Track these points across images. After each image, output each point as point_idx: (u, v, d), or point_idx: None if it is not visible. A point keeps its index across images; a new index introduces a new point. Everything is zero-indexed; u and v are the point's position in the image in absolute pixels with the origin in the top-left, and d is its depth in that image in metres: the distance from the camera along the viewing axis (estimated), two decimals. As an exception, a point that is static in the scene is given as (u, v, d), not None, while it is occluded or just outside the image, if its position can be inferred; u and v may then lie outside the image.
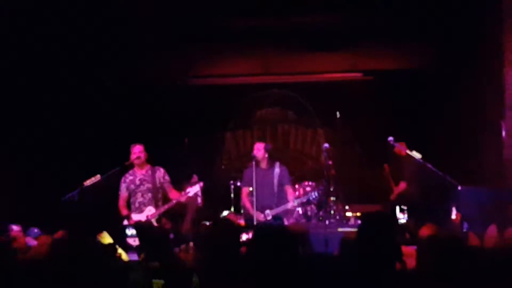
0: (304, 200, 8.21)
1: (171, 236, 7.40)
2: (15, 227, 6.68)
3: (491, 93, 8.42)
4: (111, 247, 4.78)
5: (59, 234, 6.27)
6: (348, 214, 9.57)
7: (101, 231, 5.41)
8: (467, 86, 8.99)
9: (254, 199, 7.77)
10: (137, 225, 6.76)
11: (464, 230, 6.34)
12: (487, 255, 4.20)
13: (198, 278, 3.48)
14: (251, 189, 8.01)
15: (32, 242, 6.65)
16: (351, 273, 3.31)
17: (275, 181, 7.93)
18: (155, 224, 7.31)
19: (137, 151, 7.46)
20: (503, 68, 8.04)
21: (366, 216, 3.81)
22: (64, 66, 9.10)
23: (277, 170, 7.98)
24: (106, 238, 5.38)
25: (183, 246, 7.43)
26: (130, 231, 4.26)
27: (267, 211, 7.70)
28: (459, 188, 7.28)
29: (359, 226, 3.72)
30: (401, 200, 8.68)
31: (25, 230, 6.88)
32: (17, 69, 8.46)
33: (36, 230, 6.90)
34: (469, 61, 8.95)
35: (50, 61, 8.88)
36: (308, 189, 9.61)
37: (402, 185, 8.75)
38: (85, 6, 8.58)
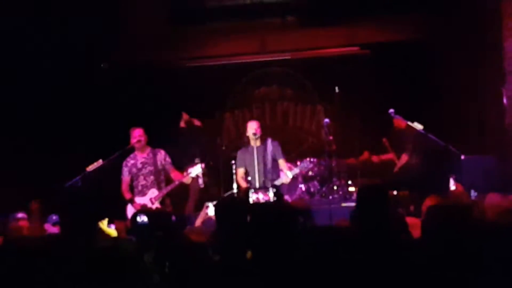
0: (297, 170, 8.21)
1: (173, 218, 7.41)
2: (20, 215, 6.66)
3: (490, 60, 8.38)
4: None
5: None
6: (351, 189, 9.54)
7: (103, 218, 5.38)
8: (466, 54, 8.93)
9: (256, 178, 7.76)
10: (146, 212, 6.75)
11: (472, 198, 6.31)
12: (491, 224, 4.20)
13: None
14: (245, 169, 8.04)
15: (52, 229, 6.65)
16: (356, 245, 3.29)
17: (269, 157, 7.94)
18: (158, 206, 7.32)
19: (137, 134, 7.44)
20: (502, 35, 7.98)
21: (362, 189, 3.83)
22: (63, 50, 9.02)
23: (269, 146, 7.98)
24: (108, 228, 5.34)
25: (188, 228, 7.42)
26: (141, 218, 4.25)
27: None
28: (463, 157, 7.28)
29: (356, 200, 3.76)
30: (404, 172, 8.65)
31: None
32: (16, 52, 8.40)
33: (54, 217, 6.89)
34: (467, 29, 8.88)
35: (49, 44, 8.81)
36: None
37: (404, 158, 8.72)
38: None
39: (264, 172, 7.86)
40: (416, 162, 8.61)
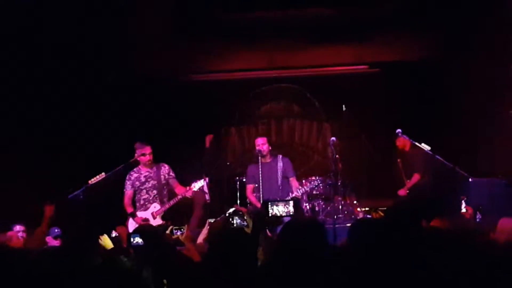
0: (308, 189, 8.19)
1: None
2: (19, 227, 6.59)
3: (500, 81, 8.30)
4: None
5: None
6: (357, 209, 9.41)
7: (102, 234, 5.30)
8: (476, 75, 8.84)
9: (261, 194, 7.66)
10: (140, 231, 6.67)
11: (477, 221, 6.23)
12: (500, 249, 4.09)
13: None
14: (255, 185, 7.93)
15: (53, 242, 6.56)
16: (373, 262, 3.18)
17: (279, 174, 7.85)
18: (159, 221, 7.22)
19: (147, 152, 7.33)
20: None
21: (396, 207, 3.72)
22: (67, 63, 9.00)
23: (280, 163, 7.92)
24: (107, 241, 5.27)
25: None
26: (135, 240, 4.18)
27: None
28: (470, 180, 7.19)
29: (388, 216, 3.63)
30: (415, 192, 8.52)
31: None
32: (20, 64, 8.37)
33: (56, 230, 6.81)
34: (478, 50, 8.80)
35: (53, 58, 8.80)
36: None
37: (416, 177, 8.60)
38: (86, 1, 8.50)
39: (273, 189, 7.77)
40: (427, 182, 8.51)
